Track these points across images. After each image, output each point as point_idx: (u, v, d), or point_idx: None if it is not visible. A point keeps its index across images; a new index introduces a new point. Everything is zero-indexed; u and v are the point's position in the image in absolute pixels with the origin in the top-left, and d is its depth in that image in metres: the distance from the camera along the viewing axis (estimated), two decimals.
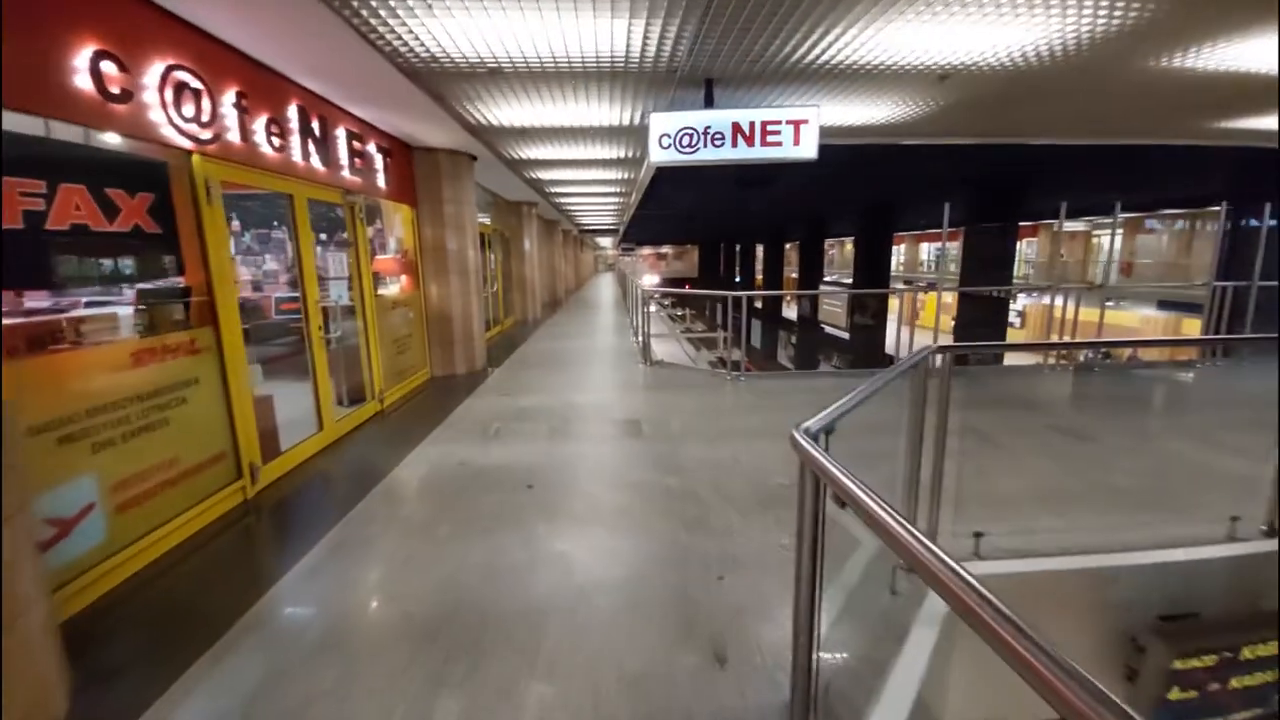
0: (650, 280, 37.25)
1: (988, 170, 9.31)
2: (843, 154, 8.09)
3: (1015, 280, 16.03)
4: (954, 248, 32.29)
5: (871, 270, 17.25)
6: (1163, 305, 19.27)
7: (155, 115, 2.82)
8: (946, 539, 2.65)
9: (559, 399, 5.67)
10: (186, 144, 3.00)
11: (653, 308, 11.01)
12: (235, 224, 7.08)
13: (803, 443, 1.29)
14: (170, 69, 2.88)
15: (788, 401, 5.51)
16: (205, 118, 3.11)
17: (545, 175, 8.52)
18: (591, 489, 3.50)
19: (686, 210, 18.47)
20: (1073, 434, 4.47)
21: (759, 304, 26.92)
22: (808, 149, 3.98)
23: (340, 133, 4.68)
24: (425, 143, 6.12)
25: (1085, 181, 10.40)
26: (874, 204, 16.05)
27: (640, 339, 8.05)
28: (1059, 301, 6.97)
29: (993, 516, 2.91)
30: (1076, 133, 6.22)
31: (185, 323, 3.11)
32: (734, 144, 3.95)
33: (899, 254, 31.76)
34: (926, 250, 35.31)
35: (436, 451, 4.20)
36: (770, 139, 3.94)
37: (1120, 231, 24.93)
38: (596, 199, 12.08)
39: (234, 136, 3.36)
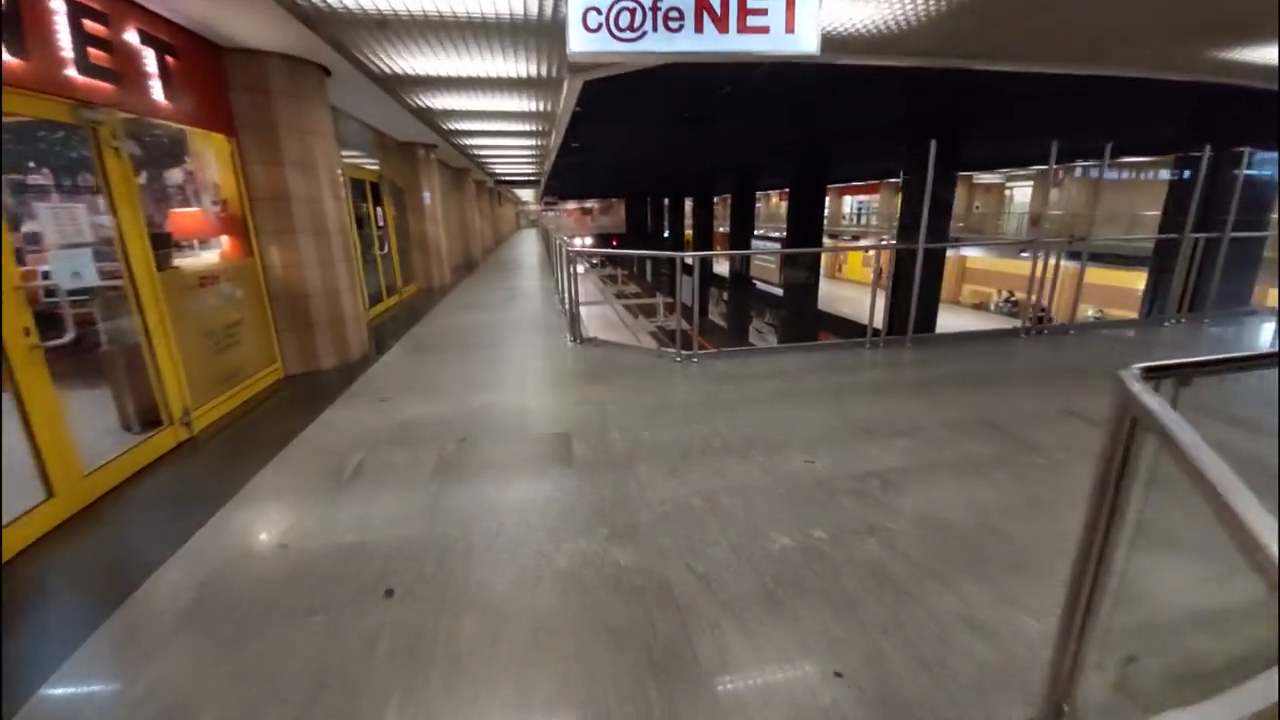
0: (580, 241, 35.17)
1: (950, 110, 8.42)
2: (795, 86, 6.87)
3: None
4: (874, 201, 32.53)
5: (806, 224, 16.47)
6: (1072, 257, 20.11)
7: None
8: (1090, 672, 1.60)
9: (458, 403, 4.22)
10: None
11: (581, 268, 9.53)
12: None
13: None
14: None
15: (755, 392, 4.37)
16: None
17: (435, 103, 6.67)
18: (494, 583, 2.19)
19: (612, 159, 16.73)
20: (1095, 421, 3.63)
21: (689, 260, 25.78)
22: (806, 40, 2.65)
23: (57, 3, 2.84)
24: (241, 41, 4.24)
25: (1038, 123, 9.78)
26: (811, 152, 15.06)
27: (568, 308, 6.63)
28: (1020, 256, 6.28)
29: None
30: (1071, 57, 5.33)
31: None
32: (698, 27, 2.55)
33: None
34: (849, 203, 35.41)
35: (247, 519, 2.69)
36: (752, 21, 2.58)
37: (1030, 184, 25.76)
38: (508, 140, 10.20)
39: None
